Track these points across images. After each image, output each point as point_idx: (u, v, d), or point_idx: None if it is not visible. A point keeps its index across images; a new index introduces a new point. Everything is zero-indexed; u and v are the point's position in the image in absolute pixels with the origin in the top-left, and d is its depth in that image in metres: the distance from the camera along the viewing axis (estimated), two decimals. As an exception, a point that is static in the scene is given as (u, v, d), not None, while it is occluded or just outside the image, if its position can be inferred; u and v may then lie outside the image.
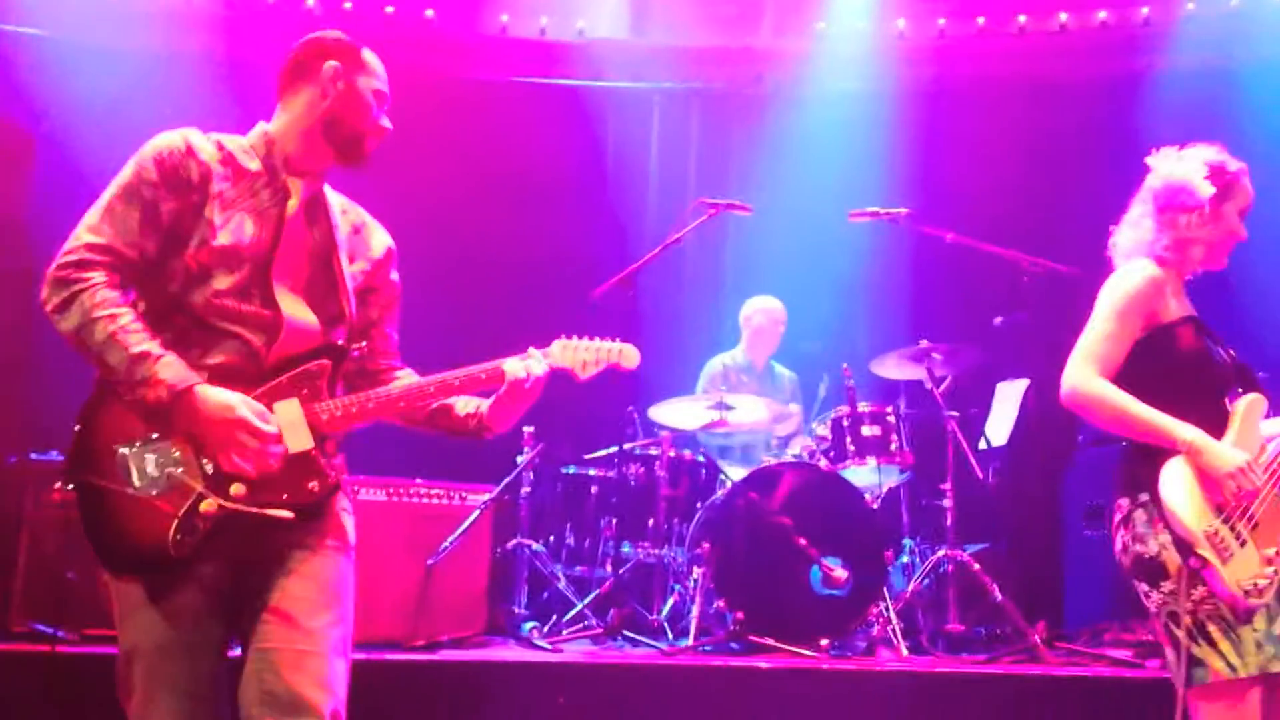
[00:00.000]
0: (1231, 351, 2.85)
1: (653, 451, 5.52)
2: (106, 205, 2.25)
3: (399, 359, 2.65)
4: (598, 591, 5.22)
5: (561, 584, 5.39)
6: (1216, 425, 2.68)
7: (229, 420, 2.16)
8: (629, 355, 2.59)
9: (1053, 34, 7.31)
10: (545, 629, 5.12)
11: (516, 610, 5.29)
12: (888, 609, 4.94)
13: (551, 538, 5.62)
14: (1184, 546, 2.58)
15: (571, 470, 5.69)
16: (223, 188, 2.30)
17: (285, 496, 2.22)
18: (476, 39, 7.50)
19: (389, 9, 7.33)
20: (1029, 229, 6.29)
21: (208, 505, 2.17)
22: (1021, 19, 7.33)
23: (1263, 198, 2.94)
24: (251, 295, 2.27)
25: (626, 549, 5.34)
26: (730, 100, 7.59)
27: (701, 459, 5.57)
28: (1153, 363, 2.75)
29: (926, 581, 5.31)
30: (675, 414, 5.67)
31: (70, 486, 2.21)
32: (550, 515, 5.65)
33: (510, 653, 4.73)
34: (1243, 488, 2.58)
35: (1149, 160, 2.92)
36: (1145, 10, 7.17)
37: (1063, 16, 7.30)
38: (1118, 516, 2.77)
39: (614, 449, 5.42)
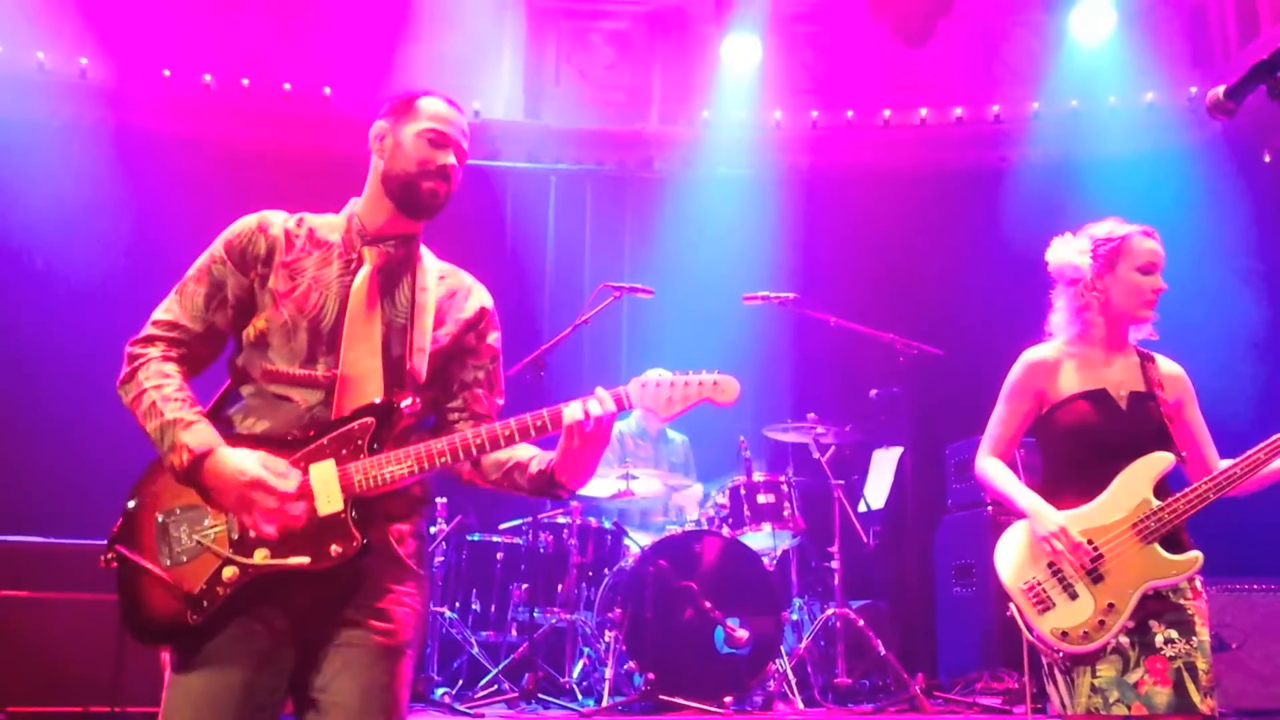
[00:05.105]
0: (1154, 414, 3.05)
1: (560, 520, 5.75)
2: (180, 285, 2.35)
3: (496, 419, 2.46)
4: (512, 657, 5.41)
5: (475, 650, 5.56)
6: (1100, 489, 2.98)
7: (244, 481, 2.13)
8: (726, 388, 2.28)
9: (914, 127, 7.93)
10: (455, 692, 5.28)
11: (435, 677, 5.42)
12: (784, 665, 5.28)
13: (458, 604, 5.75)
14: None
15: (476, 538, 5.87)
16: (291, 258, 2.35)
17: (309, 560, 2.18)
18: (372, 117, 7.66)
19: (286, 85, 7.40)
20: (901, 309, 6.81)
21: (229, 572, 2.15)
22: (886, 113, 7.95)
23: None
24: (312, 362, 2.29)
25: (537, 614, 5.53)
26: (624, 182, 7.96)
27: (609, 525, 5.83)
28: (1046, 436, 3.13)
29: (819, 639, 5.67)
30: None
31: (111, 557, 2.20)
32: (456, 582, 5.78)
33: (430, 718, 4.88)
34: (1055, 548, 2.92)
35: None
36: (996, 108, 7.89)
37: (923, 111, 7.94)
38: None
39: (528, 519, 5.64)
